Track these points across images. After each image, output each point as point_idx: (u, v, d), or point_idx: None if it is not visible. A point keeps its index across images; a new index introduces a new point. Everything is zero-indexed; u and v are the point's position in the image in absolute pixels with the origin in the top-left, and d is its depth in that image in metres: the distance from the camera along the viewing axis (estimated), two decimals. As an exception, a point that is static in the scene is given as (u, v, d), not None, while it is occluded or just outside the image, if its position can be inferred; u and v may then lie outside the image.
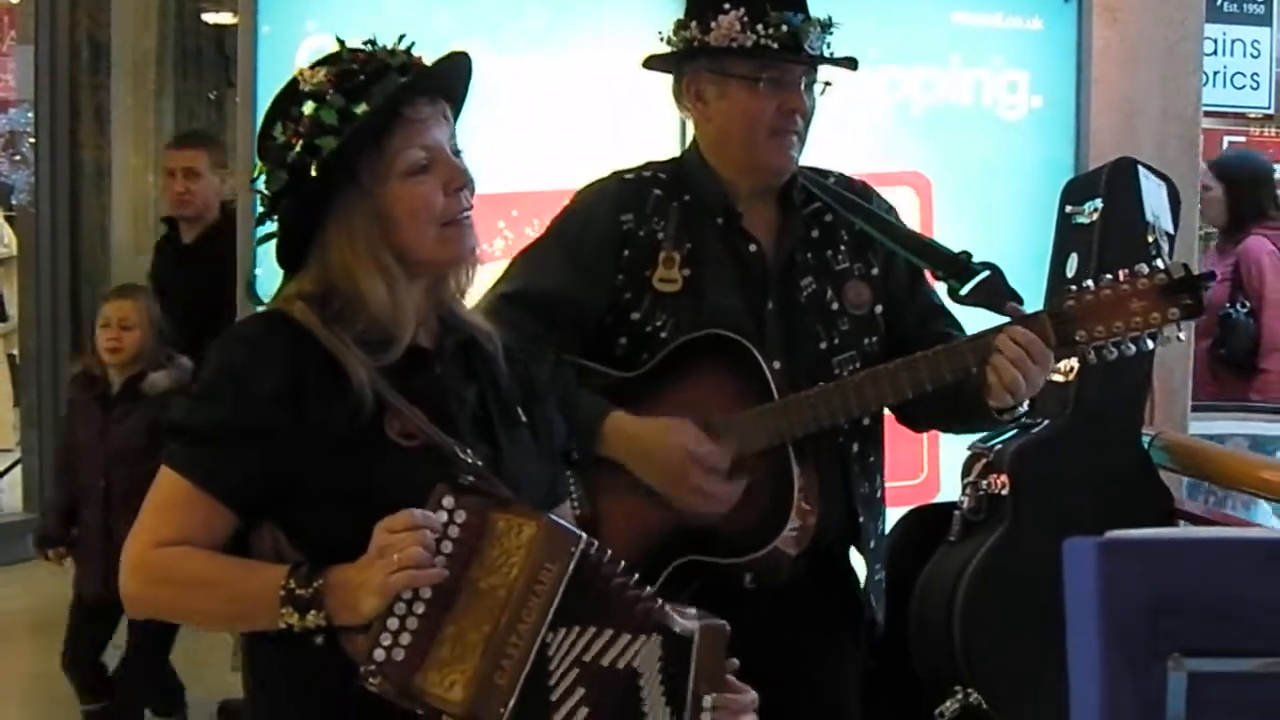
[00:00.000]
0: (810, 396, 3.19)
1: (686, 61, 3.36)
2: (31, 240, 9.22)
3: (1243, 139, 12.28)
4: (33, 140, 9.33)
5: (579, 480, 3.26)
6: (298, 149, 2.46)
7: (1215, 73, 9.33)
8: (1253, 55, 9.58)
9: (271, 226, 2.53)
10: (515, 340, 2.72)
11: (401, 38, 2.53)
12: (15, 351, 10.14)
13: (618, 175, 3.44)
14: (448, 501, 2.35)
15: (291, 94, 2.51)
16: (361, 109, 2.44)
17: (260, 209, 2.56)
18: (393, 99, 2.46)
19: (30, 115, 9.38)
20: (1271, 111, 10.47)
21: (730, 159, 3.35)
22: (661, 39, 3.39)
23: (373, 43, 2.53)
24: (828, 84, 3.35)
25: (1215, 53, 9.29)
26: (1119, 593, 1.71)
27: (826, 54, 3.31)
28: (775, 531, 3.16)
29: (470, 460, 2.43)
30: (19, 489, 9.25)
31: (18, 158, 9.98)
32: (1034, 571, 3.61)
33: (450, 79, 2.58)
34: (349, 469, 2.42)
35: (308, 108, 2.46)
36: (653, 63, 3.44)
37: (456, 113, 2.60)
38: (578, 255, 3.35)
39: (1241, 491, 4.28)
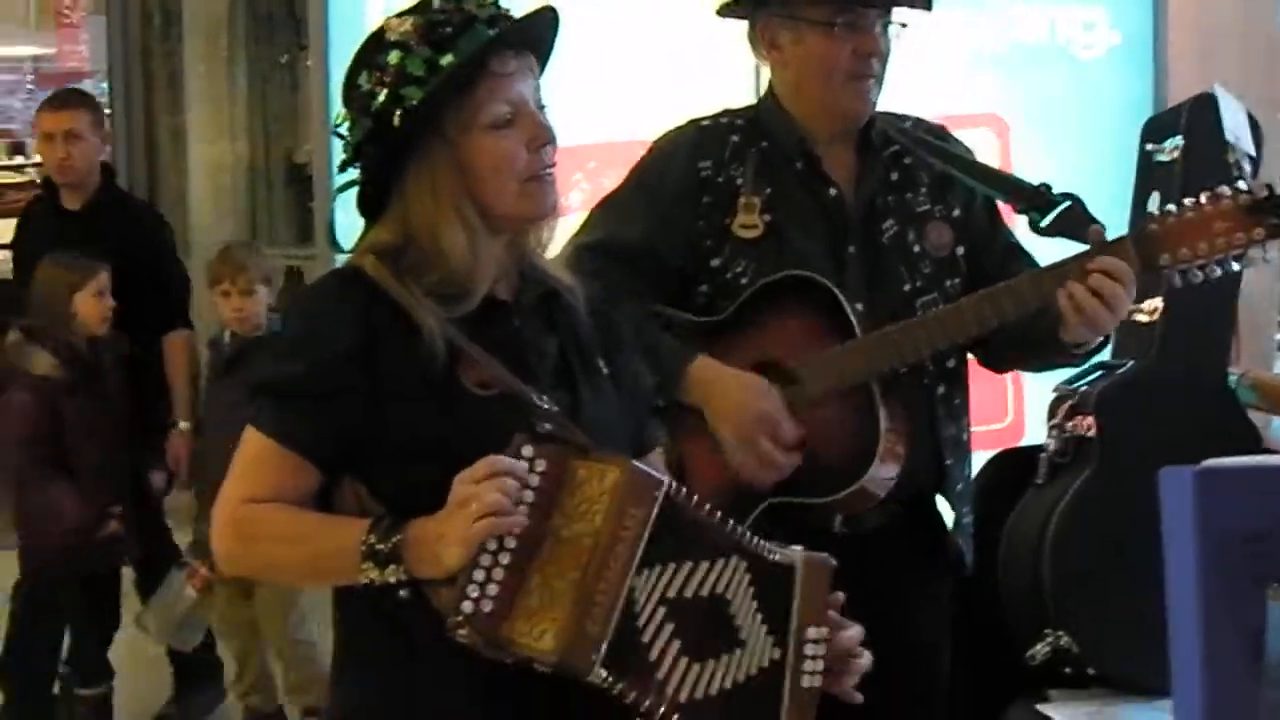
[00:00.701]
0: (893, 331, 3.18)
1: (760, 8, 3.35)
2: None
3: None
4: (108, 110, 9.38)
5: (663, 424, 3.27)
6: (382, 98, 2.46)
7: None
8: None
9: (352, 174, 2.54)
10: (598, 291, 2.71)
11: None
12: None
13: (695, 123, 3.44)
14: (527, 450, 2.34)
15: (377, 42, 2.51)
16: (448, 60, 2.44)
17: (342, 156, 2.56)
18: (480, 52, 2.45)
19: (105, 86, 9.44)
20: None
21: (808, 104, 3.34)
22: None
23: None
24: (903, 25, 3.32)
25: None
26: (1216, 522, 1.69)
27: None
28: (862, 470, 3.16)
29: (547, 407, 2.43)
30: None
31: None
32: (1122, 513, 3.62)
33: (538, 33, 2.57)
34: (426, 422, 2.43)
35: (393, 57, 2.46)
36: (726, 10, 3.43)
37: (543, 66, 2.59)
38: (657, 204, 3.35)
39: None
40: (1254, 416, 4.11)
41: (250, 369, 5.31)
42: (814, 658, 2.46)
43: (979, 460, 3.95)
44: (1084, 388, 3.91)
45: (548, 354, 2.57)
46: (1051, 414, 3.98)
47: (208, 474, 5.62)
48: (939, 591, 3.53)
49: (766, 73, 3.48)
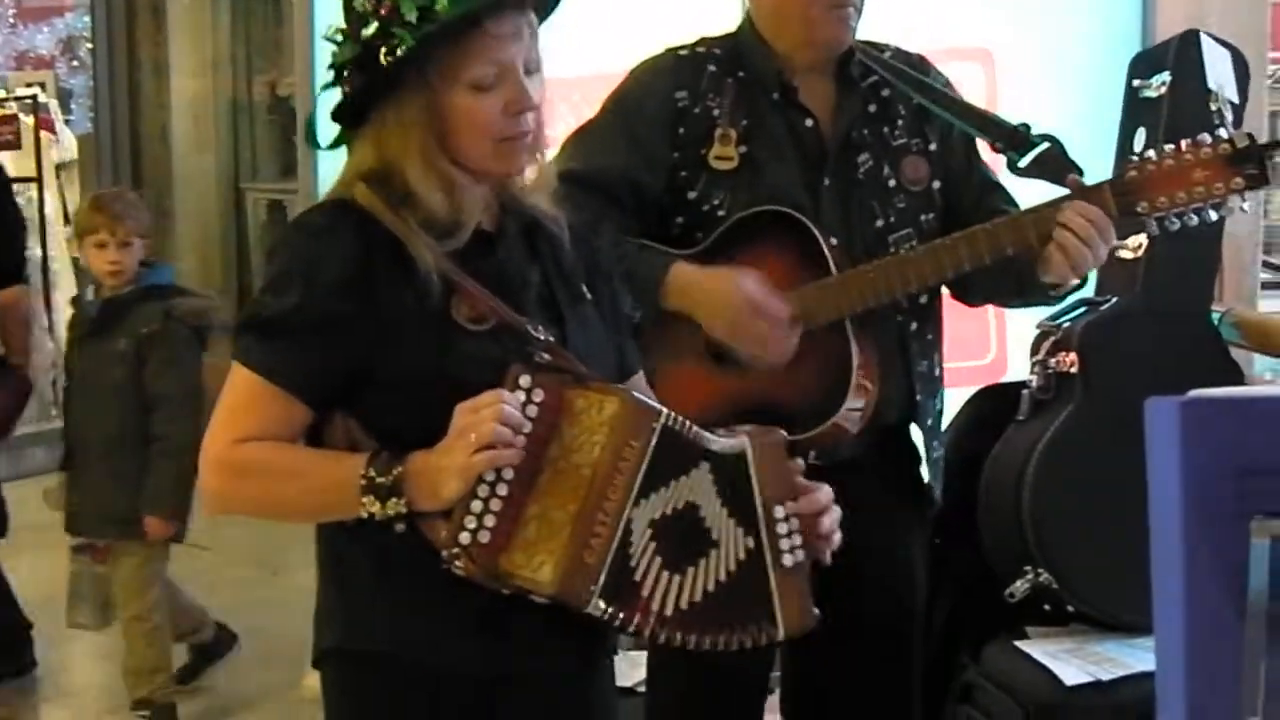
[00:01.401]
0: (868, 271, 3.17)
1: None
2: (92, 142, 9.24)
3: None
4: (90, 44, 9.34)
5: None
6: (373, 28, 2.41)
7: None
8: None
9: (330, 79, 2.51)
10: (578, 217, 2.69)
11: None
12: (79, 255, 10.18)
13: (672, 52, 3.41)
14: (524, 380, 2.34)
15: None
16: (443, 5, 2.39)
17: (328, 63, 2.52)
18: (477, 10, 2.40)
19: (86, 19, 9.39)
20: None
21: (786, 33, 3.31)
22: None
23: None
24: None
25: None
26: (1202, 453, 1.68)
27: None
28: (835, 407, 3.15)
29: (543, 338, 2.43)
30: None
31: (75, 62, 10.01)
32: (1104, 449, 3.63)
33: None
34: (421, 354, 2.41)
35: None
36: None
37: (545, 16, 2.56)
38: (633, 133, 3.32)
39: (1314, 366, 4.24)
40: (1236, 354, 4.11)
41: (125, 323, 5.24)
42: (789, 534, 2.46)
43: (962, 396, 3.95)
44: (1067, 324, 3.91)
45: (531, 283, 2.55)
46: (1034, 350, 3.98)
47: (79, 438, 5.46)
48: (914, 522, 3.53)
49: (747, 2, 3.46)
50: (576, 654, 2.53)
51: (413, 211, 2.43)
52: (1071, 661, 3.59)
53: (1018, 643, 3.71)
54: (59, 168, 10.68)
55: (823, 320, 3.17)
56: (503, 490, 2.30)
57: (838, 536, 2.56)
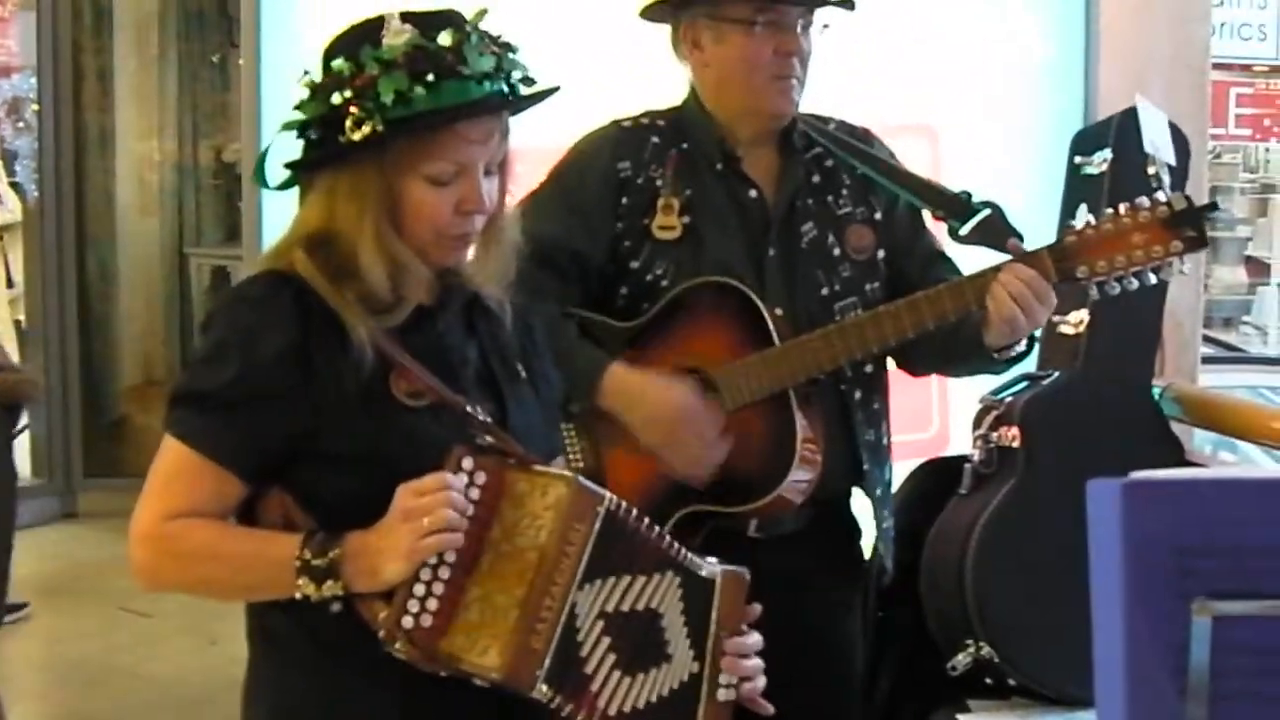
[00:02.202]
0: (811, 340, 3.19)
1: (683, 9, 3.35)
2: (36, 206, 9.21)
3: (1250, 90, 12.28)
4: (36, 106, 9.30)
5: (582, 432, 3.27)
6: (346, 95, 2.38)
7: (1222, 24, 9.31)
8: (1259, 6, 9.56)
9: (292, 122, 2.47)
10: (518, 295, 2.67)
11: (482, 32, 2.45)
12: (21, 317, 10.14)
13: (616, 123, 3.44)
14: (467, 463, 2.33)
15: (370, 34, 2.41)
16: (419, 96, 2.36)
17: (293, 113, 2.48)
18: (453, 111, 2.39)
19: (33, 81, 9.36)
20: (1279, 63, 10.44)
21: (730, 105, 3.34)
22: None
23: (464, 26, 2.43)
24: (825, 26, 3.33)
25: (1222, 3, 9.28)
26: (1143, 534, 1.70)
27: None
28: (779, 479, 3.16)
29: (483, 419, 2.41)
30: (27, 455, 9.24)
31: (21, 124, 9.96)
32: (1046, 524, 3.64)
33: (514, 107, 2.52)
34: (358, 430, 2.38)
35: (372, 65, 2.37)
36: (649, 12, 3.43)
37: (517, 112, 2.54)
38: (576, 204, 3.35)
39: (1252, 442, 4.26)
40: (1177, 429, 4.14)
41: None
42: (727, 670, 2.47)
43: (904, 469, 3.96)
44: (1009, 398, 3.93)
45: (470, 360, 2.54)
46: (976, 424, 3.99)
47: None
48: (853, 594, 3.54)
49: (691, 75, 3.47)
50: None
51: (350, 284, 2.41)
52: (1013, 735, 3.59)
53: (960, 716, 3.70)
54: (2, 229, 10.63)
55: (766, 392, 3.18)
56: (444, 573, 2.30)
57: (761, 682, 2.55)
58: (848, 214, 3.38)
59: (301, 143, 2.47)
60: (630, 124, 3.42)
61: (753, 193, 3.35)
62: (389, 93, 2.35)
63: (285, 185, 2.53)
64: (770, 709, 2.55)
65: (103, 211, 9.39)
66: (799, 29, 3.28)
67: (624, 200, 3.33)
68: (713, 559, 2.52)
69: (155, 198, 10.07)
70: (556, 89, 2.56)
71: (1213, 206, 3.13)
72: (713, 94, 3.37)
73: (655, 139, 3.37)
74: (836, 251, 3.36)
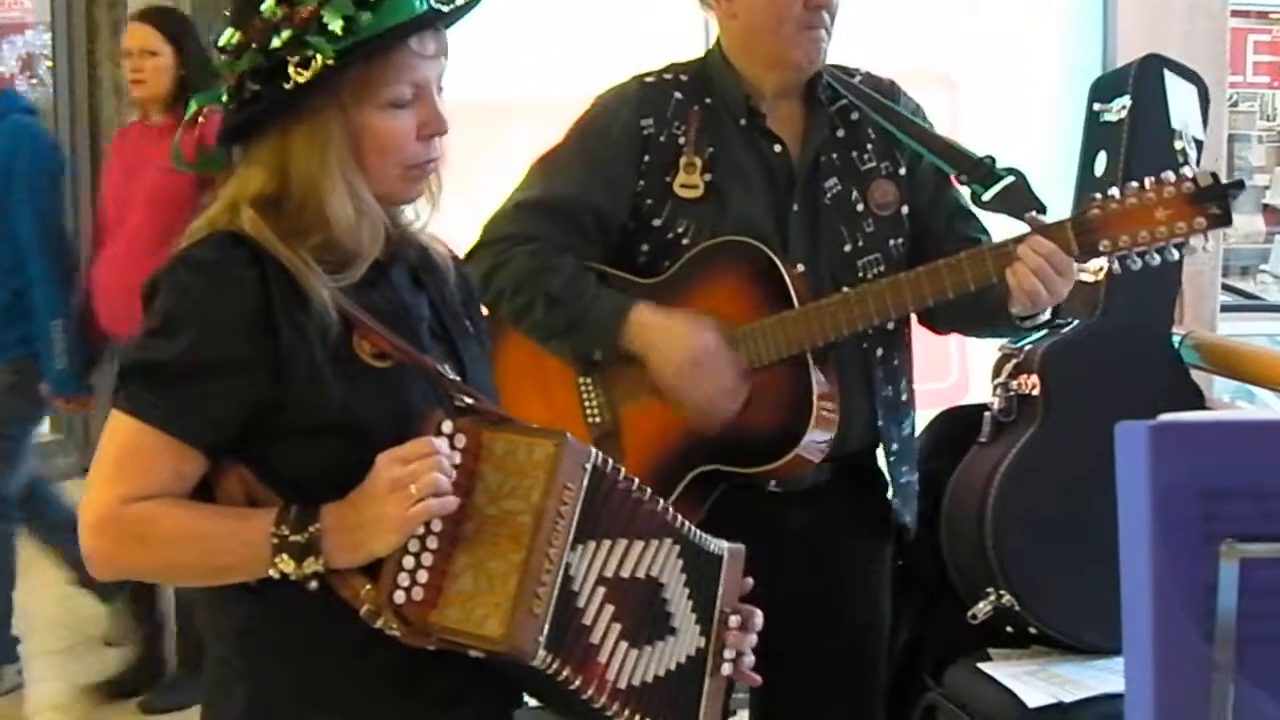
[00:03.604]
0: (830, 305, 3.17)
1: None
2: (53, 160, 9.19)
3: (1267, 37, 12.23)
4: (50, 62, 9.29)
5: (599, 387, 3.26)
6: (284, 36, 2.24)
7: (1241, -30, 9.28)
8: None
9: (216, 92, 2.34)
10: (450, 250, 2.57)
11: None
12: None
13: (638, 79, 3.41)
14: (446, 426, 2.22)
15: None
16: (367, 21, 2.23)
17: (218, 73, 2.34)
18: (406, 26, 2.27)
19: (47, 37, 9.35)
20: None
21: (757, 56, 3.31)
22: None
23: None
24: None
25: (1240, -50, 9.24)
26: (1170, 477, 1.69)
27: None
28: (796, 439, 3.15)
29: (453, 377, 2.33)
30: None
31: (35, 80, 9.96)
32: (1065, 472, 3.65)
33: (457, 14, 2.38)
34: (326, 397, 2.25)
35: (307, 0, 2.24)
36: None
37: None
38: (598, 161, 3.32)
39: (1274, 390, 4.26)
40: (1196, 376, 4.13)
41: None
42: (730, 645, 2.45)
43: (924, 418, 3.96)
44: (1028, 346, 3.92)
45: (424, 316, 2.44)
46: (996, 372, 4.00)
47: None
48: (877, 549, 3.53)
49: (714, 26, 3.46)
50: (488, 709, 2.41)
51: (304, 243, 2.28)
52: (1034, 683, 3.59)
53: (980, 664, 3.71)
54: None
55: (783, 354, 3.17)
56: (432, 543, 2.19)
57: (752, 657, 2.50)
58: (872, 169, 3.36)
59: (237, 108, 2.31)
60: (653, 80, 3.39)
61: (777, 148, 3.33)
62: (335, 20, 2.22)
63: (214, 163, 2.40)
64: (758, 680, 2.51)
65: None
66: None
67: (646, 158, 3.31)
68: (712, 538, 2.47)
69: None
70: None
71: (1239, 185, 3.09)
72: (739, 45, 3.35)
73: (678, 95, 3.35)
74: (860, 207, 3.34)
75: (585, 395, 3.27)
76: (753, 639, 2.49)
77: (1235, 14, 8.19)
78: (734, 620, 2.45)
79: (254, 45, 2.26)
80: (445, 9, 2.32)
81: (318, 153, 2.28)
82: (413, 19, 2.27)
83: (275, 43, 2.24)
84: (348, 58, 2.24)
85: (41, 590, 6.12)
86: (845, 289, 3.23)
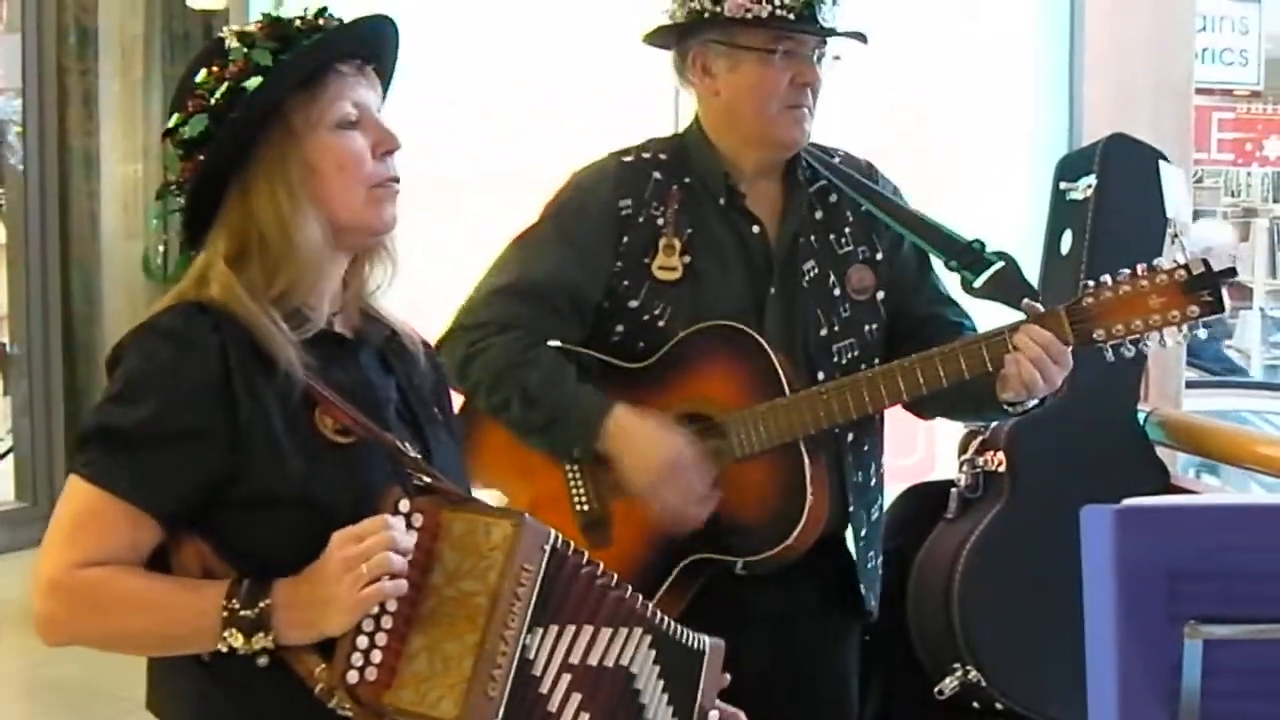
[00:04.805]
0: (824, 392, 3.15)
1: (692, 35, 3.28)
2: (21, 229, 9.19)
3: (1231, 115, 12.33)
4: (19, 129, 9.29)
5: (588, 476, 3.24)
6: (221, 91, 2.30)
7: (1204, 49, 9.36)
8: (1241, 32, 9.61)
9: (174, 201, 2.37)
10: (423, 339, 2.59)
11: (322, 11, 2.38)
12: (5, 340, 10.12)
13: (615, 157, 3.37)
14: (404, 505, 2.21)
15: (215, 49, 2.36)
16: (292, 56, 2.31)
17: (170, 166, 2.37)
18: (326, 51, 2.33)
19: (18, 104, 9.35)
20: (1260, 88, 10.49)
21: (739, 134, 3.29)
22: (664, 12, 3.32)
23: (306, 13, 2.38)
24: (837, 58, 3.30)
25: (1204, 29, 9.32)
26: (1136, 559, 1.71)
27: (837, 27, 3.27)
28: (790, 529, 3.14)
29: (414, 455, 2.32)
30: (10, 479, 9.23)
31: (4, 146, 9.96)
32: (1031, 548, 3.67)
33: (379, 42, 2.43)
34: (284, 470, 2.24)
35: (235, 52, 2.31)
36: (654, 38, 3.35)
37: (385, 86, 2.47)
38: (574, 241, 3.29)
39: (1238, 466, 4.28)
40: (1161, 452, 4.16)
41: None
42: None
43: (890, 494, 3.97)
44: (994, 423, 3.94)
45: (391, 398, 2.44)
46: (962, 449, 4.01)
47: None
48: (844, 629, 3.51)
49: (687, 104, 3.45)
50: None
51: (269, 289, 2.30)
52: (999, 758, 3.60)
53: (946, 739, 3.72)
54: (-14, 250, 10.62)
55: (776, 442, 3.16)
56: (387, 623, 2.17)
57: None
58: (849, 253, 3.34)
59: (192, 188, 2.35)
60: (631, 159, 3.36)
61: (755, 229, 3.30)
62: (265, 58, 2.29)
63: (180, 267, 2.40)
64: None
65: (87, 234, 9.37)
66: (814, 59, 3.27)
67: (625, 239, 3.27)
68: (700, 634, 2.46)
69: (140, 221, 10.05)
70: (391, 20, 2.44)
71: (1231, 272, 3.11)
72: (721, 123, 3.32)
73: (657, 174, 3.31)
74: (837, 291, 3.32)
75: (572, 482, 3.25)
76: None
77: (1199, 91, 8.27)
78: (714, 716, 2.43)
79: (195, 113, 2.32)
80: (351, 29, 2.38)
81: (281, 183, 2.31)
82: (329, 40, 2.35)
83: (214, 99, 2.30)
84: (281, 82, 2.30)
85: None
86: (820, 374, 3.22)
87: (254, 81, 2.29)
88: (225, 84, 2.30)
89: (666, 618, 2.39)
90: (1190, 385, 5.86)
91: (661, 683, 2.36)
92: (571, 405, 3.16)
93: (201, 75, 2.34)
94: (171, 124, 2.35)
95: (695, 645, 2.42)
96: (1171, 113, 5.18)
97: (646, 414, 3.18)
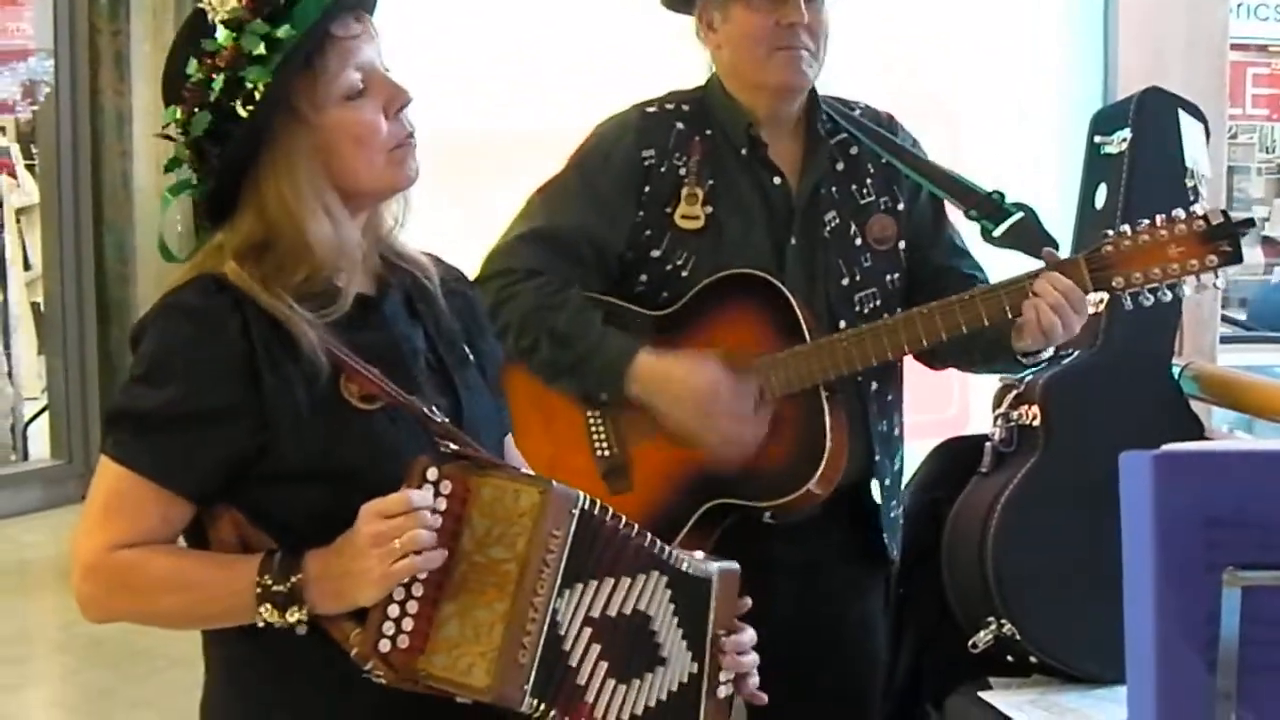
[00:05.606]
0: (844, 339, 3.18)
1: None
2: (54, 189, 9.21)
3: (1266, 70, 12.27)
4: (51, 89, 9.30)
5: (609, 422, 3.26)
6: (219, 85, 2.25)
7: (1240, 4, 9.30)
8: (1276, -14, 9.56)
9: (184, 174, 2.35)
10: (451, 269, 2.58)
11: None
12: (40, 300, 10.15)
13: (639, 108, 3.42)
14: (432, 473, 2.21)
15: (199, 26, 2.30)
16: (286, 31, 2.24)
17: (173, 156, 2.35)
18: (321, 18, 2.26)
19: (49, 64, 9.36)
20: (1295, 44, 10.44)
21: (744, 84, 3.34)
22: None
23: None
24: None
25: (1240, -17, 9.28)
26: (1174, 505, 1.71)
27: None
28: (808, 474, 3.16)
29: (441, 420, 2.31)
30: (46, 437, 9.28)
31: (36, 107, 9.97)
32: (1066, 502, 3.66)
33: None
34: (312, 442, 2.26)
35: (223, 37, 2.26)
36: (671, 1, 3.43)
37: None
38: (597, 191, 3.33)
39: (1274, 421, 4.27)
40: (1196, 407, 4.15)
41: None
42: (727, 668, 2.44)
43: (924, 449, 3.98)
44: (1029, 377, 3.93)
45: (419, 350, 2.43)
46: (996, 403, 4.00)
47: None
48: (869, 581, 3.54)
49: (671, 78, 3.49)
50: None
51: (286, 283, 2.28)
52: (1034, 712, 3.59)
53: (981, 693, 3.71)
54: (19, 212, 10.65)
55: (797, 388, 3.18)
56: (418, 590, 2.18)
57: (756, 677, 2.51)
58: (870, 203, 3.38)
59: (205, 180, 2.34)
60: (654, 109, 3.41)
61: (777, 180, 3.34)
62: (257, 45, 2.23)
63: (195, 249, 2.37)
64: (764, 699, 2.52)
65: (120, 194, 9.37)
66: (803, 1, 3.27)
67: (647, 189, 3.32)
68: (699, 554, 2.47)
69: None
70: None
71: (1249, 222, 3.13)
72: (729, 73, 3.38)
73: (679, 125, 3.36)
74: (858, 241, 3.35)
75: (593, 428, 3.27)
76: (753, 659, 2.49)
77: (1234, 47, 8.21)
78: (727, 642, 2.44)
79: (196, 109, 2.28)
80: None
81: (288, 178, 2.28)
82: (323, 7, 2.27)
83: (214, 94, 2.26)
84: (287, 69, 2.25)
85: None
86: (842, 324, 3.24)
87: (254, 74, 2.24)
88: (221, 76, 2.26)
89: (677, 554, 2.40)
90: (1225, 340, 5.84)
91: (676, 619, 2.38)
92: (600, 345, 3.19)
93: (192, 67, 2.29)
94: (166, 122, 2.33)
95: (703, 574, 2.42)
96: (1206, 67, 5.15)
97: (670, 354, 3.20)
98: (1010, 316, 3.12)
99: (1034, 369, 3.88)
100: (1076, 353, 3.97)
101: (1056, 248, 3.18)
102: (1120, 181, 3.98)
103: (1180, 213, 3.08)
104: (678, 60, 3.95)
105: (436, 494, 2.20)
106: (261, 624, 2.21)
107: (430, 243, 2.56)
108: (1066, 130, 4.69)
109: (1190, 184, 3.82)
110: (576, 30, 4.73)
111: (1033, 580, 3.71)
